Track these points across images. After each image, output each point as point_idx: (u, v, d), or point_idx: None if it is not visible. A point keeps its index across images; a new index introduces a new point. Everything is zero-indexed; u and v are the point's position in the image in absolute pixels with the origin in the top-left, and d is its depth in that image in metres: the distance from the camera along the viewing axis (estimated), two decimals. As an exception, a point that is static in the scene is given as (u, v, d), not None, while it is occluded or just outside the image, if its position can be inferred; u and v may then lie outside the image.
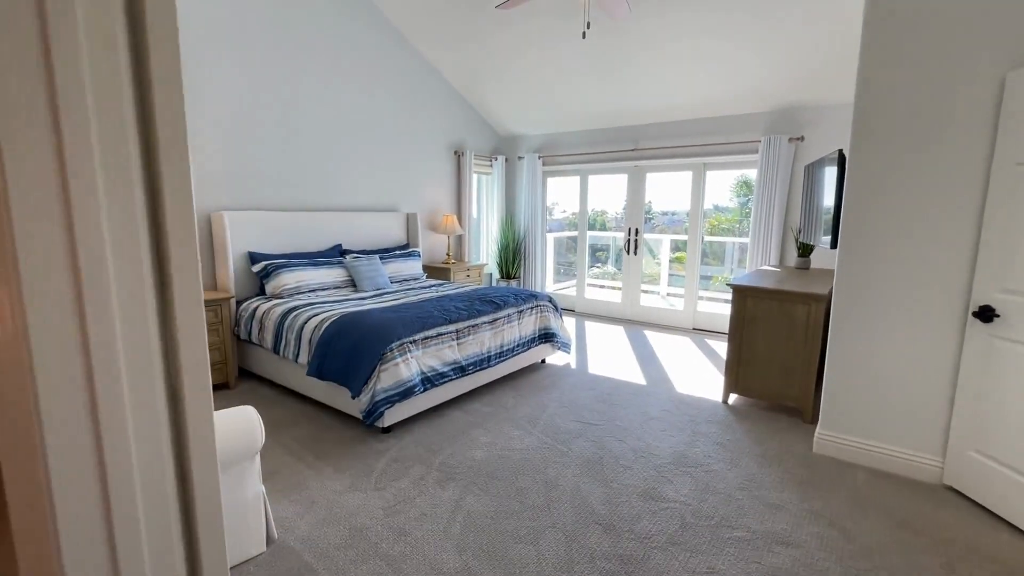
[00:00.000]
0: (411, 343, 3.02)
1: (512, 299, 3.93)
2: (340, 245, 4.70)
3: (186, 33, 3.63)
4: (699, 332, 5.57)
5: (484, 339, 3.52)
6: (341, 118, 4.75)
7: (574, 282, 6.70)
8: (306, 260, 4.22)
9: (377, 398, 2.79)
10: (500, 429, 3.05)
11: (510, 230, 6.57)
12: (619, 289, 6.20)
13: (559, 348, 4.25)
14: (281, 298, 3.90)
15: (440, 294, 4.16)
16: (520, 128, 6.48)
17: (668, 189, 7.32)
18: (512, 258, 6.54)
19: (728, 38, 4.12)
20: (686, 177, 5.56)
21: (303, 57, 4.37)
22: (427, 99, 5.59)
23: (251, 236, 4.07)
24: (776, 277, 3.72)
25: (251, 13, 3.98)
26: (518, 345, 3.82)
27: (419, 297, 3.99)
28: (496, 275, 6.74)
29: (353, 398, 2.83)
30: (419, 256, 5.18)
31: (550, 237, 7.51)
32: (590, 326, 5.80)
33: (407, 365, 2.93)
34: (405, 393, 2.87)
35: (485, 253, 6.85)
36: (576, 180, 6.37)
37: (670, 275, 7.66)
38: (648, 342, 5.13)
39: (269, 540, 2.00)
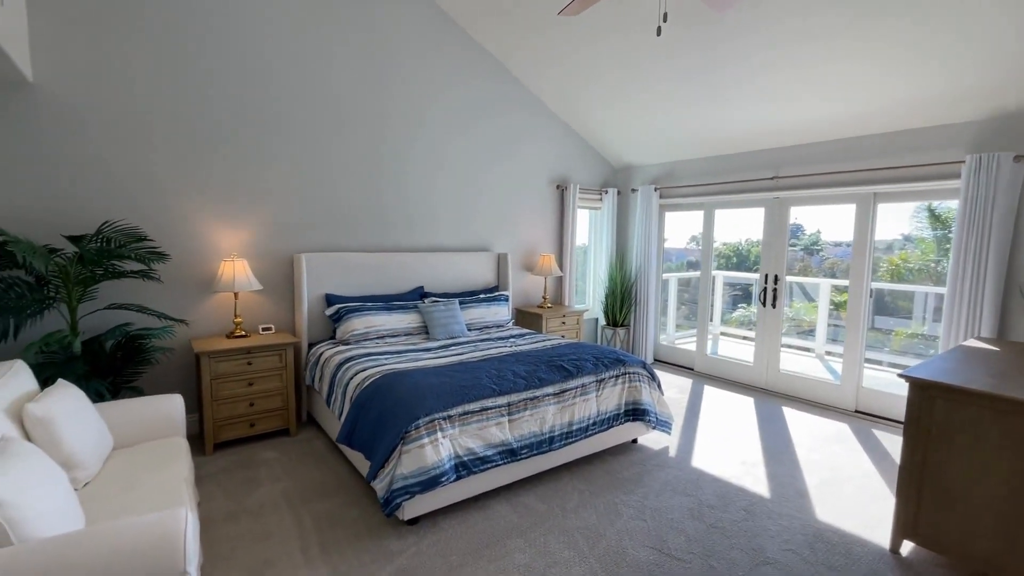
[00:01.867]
0: (445, 419, 2.51)
1: (591, 365, 3.21)
2: (421, 288, 4.46)
3: (268, 68, 3.73)
4: (864, 417, 4.15)
5: (546, 415, 2.87)
6: (431, 153, 4.58)
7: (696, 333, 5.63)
8: (381, 304, 4.02)
9: (395, 486, 2.32)
10: (546, 544, 2.35)
11: (620, 271, 5.80)
12: (751, 344, 5.00)
13: (655, 427, 3.38)
14: (347, 344, 3.72)
15: (514, 350, 3.61)
16: (634, 157, 5.75)
17: (825, 212, 5.92)
18: (621, 303, 5.75)
19: (900, 25, 2.99)
20: (846, 212, 4.28)
21: (390, 90, 4.29)
22: (527, 129, 5.21)
23: (331, 278, 4.01)
24: (991, 364, 2.45)
25: (336, 44, 4.00)
26: (594, 423, 3.08)
27: (485, 354, 3.49)
28: (602, 321, 5.99)
29: (368, 482, 2.40)
30: (506, 300, 4.72)
31: (672, 279, 6.55)
32: (710, 394, 4.72)
33: (436, 447, 2.42)
34: (429, 483, 2.35)
35: (591, 297, 6.15)
36: (699, 216, 5.39)
37: (834, 326, 6.13)
38: (785, 425, 3.93)
39: None
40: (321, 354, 3.57)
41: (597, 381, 3.16)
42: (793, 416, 4.13)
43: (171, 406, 2.61)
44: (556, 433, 2.88)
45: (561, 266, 5.64)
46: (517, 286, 5.34)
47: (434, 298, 4.35)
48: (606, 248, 5.96)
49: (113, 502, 1.92)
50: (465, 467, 2.52)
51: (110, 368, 2.96)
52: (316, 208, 4.01)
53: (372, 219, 4.30)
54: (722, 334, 7.01)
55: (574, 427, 2.97)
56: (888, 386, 4.22)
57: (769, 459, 3.31)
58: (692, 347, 5.57)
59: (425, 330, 4.08)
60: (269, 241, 3.83)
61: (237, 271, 3.48)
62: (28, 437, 1.95)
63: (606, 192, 5.89)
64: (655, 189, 5.58)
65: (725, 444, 3.53)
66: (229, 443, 3.41)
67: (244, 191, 3.68)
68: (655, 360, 5.85)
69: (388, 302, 4.10)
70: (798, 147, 4.48)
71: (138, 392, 2.97)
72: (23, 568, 1.30)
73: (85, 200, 3.14)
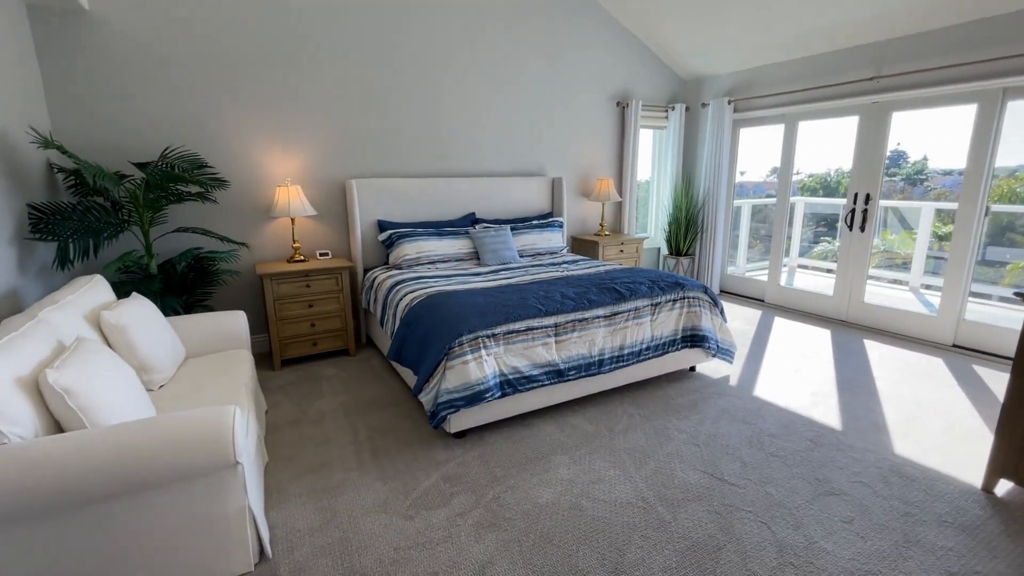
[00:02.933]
0: (489, 338, 2.47)
1: (645, 288, 3.02)
2: (473, 214, 4.36)
3: (319, -4, 3.59)
4: (963, 352, 3.69)
5: (595, 338, 2.76)
6: (481, 71, 4.32)
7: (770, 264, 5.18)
8: (432, 230, 3.99)
9: (440, 399, 2.34)
10: (591, 462, 2.32)
11: (685, 197, 5.38)
12: (832, 275, 4.53)
13: (715, 355, 3.19)
14: (400, 269, 3.75)
15: (566, 274, 3.48)
16: (705, 66, 5.14)
17: (935, 135, 5.13)
18: (686, 231, 5.37)
19: None
20: (964, 114, 3.60)
21: (441, 6, 4.02)
22: (583, 39, 4.76)
23: (383, 204, 4.00)
24: None
25: (384, -35, 3.76)
26: (648, 348, 2.93)
27: (535, 277, 3.39)
28: (664, 251, 5.67)
29: (415, 396, 2.44)
30: (560, 227, 4.54)
31: (746, 206, 6.02)
32: (781, 325, 4.39)
33: (480, 364, 2.40)
34: (473, 398, 2.36)
35: (652, 226, 5.80)
36: (779, 129, 4.79)
37: (935, 258, 5.45)
38: (867, 358, 3.58)
39: (264, 557, 1.75)
40: (375, 278, 3.63)
41: (652, 305, 2.98)
42: (876, 349, 3.75)
43: (235, 321, 2.77)
44: (606, 356, 2.78)
45: (620, 191, 5.31)
46: (573, 213, 5.11)
47: (485, 224, 4.26)
48: (671, 172, 5.52)
49: (183, 401, 2.07)
50: (511, 385, 2.50)
51: (182, 288, 3.16)
52: (366, 134, 3.95)
53: (423, 144, 4.19)
54: (800, 267, 6.45)
55: (625, 351, 2.85)
56: (996, 319, 3.70)
57: (844, 391, 3.04)
58: (764, 278, 5.16)
59: (476, 256, 4.02)
60: (321, 168, 3.84)
61: (292, 197, 3.54)
62: (107, 342, 2.12)
63: (672, 108, 5.37)
64: (728, 102, 5.00)
65: (794, 376, 3.28)
66: (295, 360, 3.63)
67: (299, 117, 3.66)
68: (721, 291, 5.50)
69: (439, 228, 4.05)
70: (905, 39, 3.76)
71: (209, 311, 3.17)
72: (93, 448, 1.41)
73: (149, 129, 3.26)
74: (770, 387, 3.11)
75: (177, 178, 2.95)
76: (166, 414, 1.56)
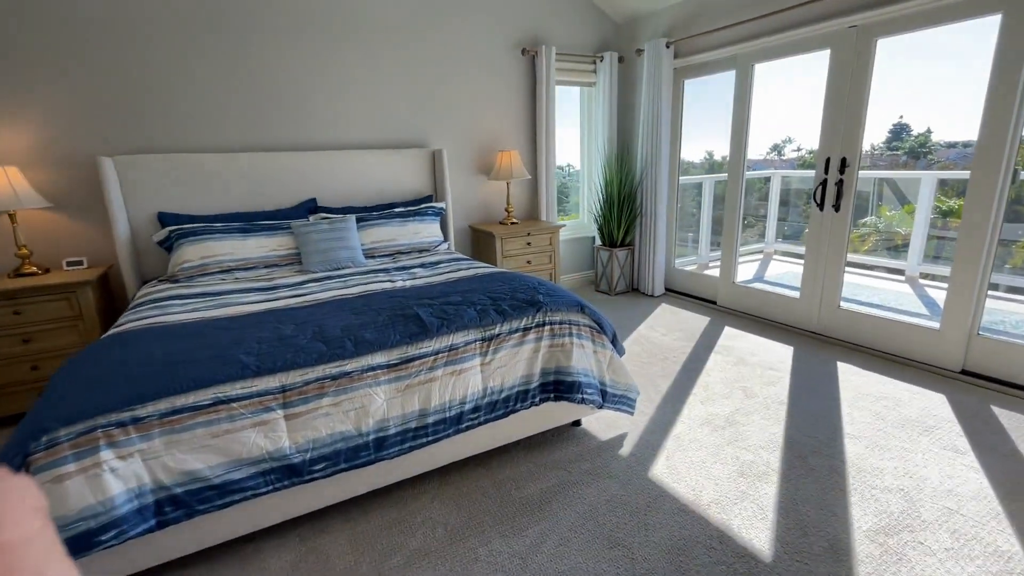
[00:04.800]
0: (121, 426, 1.36)
1: (472, 313, 1.91)
2: (313, 200, 3.24)
3: None
4: (977, 384, 2.57)
5: (371, 402, 1.66)
6: (335, 15, 3.16)
7: (744, 256, 4.05)
8: (238, 225, 2.87)
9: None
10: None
11: (620, 171, 4.24)
12: (799, 269, 3.39)
13: (601, 407, 2.08)
14: (176, 281, 2.65)
15: (394, 286, 2.39)
16: (639, 1, 3.95)
17: (942, 112, 4.12)
18: (619, 215, 4.24)
19: None
20: (977, 40, 2.43)
21: (235, -90, 2.85)
22: (470, -33, 3.59)
23: (171, 191, 2.88)
24: None
25: None
26: (477, 408, 1.83)
27: (365, 289, 2.30)
28: (598, 241, 4.54)
29: None
30: (436, 215, 3.41)
31: (708, 182, 4.90)
32: (731, 340, 3.28)
33: (96, 479, 1.30)
34: (81, 541, 1.27)
35: (584, 208, 4.67)
36: (729, 78, 3.61)
37: (938, 239, 4.41)
38: (836, 397, 2.47)
39: None
40: (142, 298, 2.51)
41: (484, 340, 1.87)
42: (853, 380, 2.65)
43: None
44: (392, 431, 1.68)
45: (535, 167, 4.16)
46: (471, 195, 3.98)
47: (326, 215, 3.14)
48: (602, 141, 4.36)
49: None
50: (178, 504, 1.41)
51: None
52: (142, 88, 2.81)
53: (240, 104, 3.05)
54: (778, 254, 5.33)
55: (431, 418, 1.75)
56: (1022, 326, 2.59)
57: (792, 466, 1.95)
58: (716, 273, 4.03)
59: (300, 260, 2.91)
60: (71, 142, 2.72)
61: (12, 183, 2.44)
62: None
63: (601, 59, 4.19)
64: (667, 44, 3.83)
65: (722, 433, 2.18)
66: (15, 417, 2.53)
67: (28, 66, 2.53)
68: (667, 291, 4.38)
69: (249, 221, 2.94)
70: (899, -73, 2.58)
71: None
72: None
73: None
74: (680, 457, 2.02)
75: None
76: None
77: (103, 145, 2.79)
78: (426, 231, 3.29)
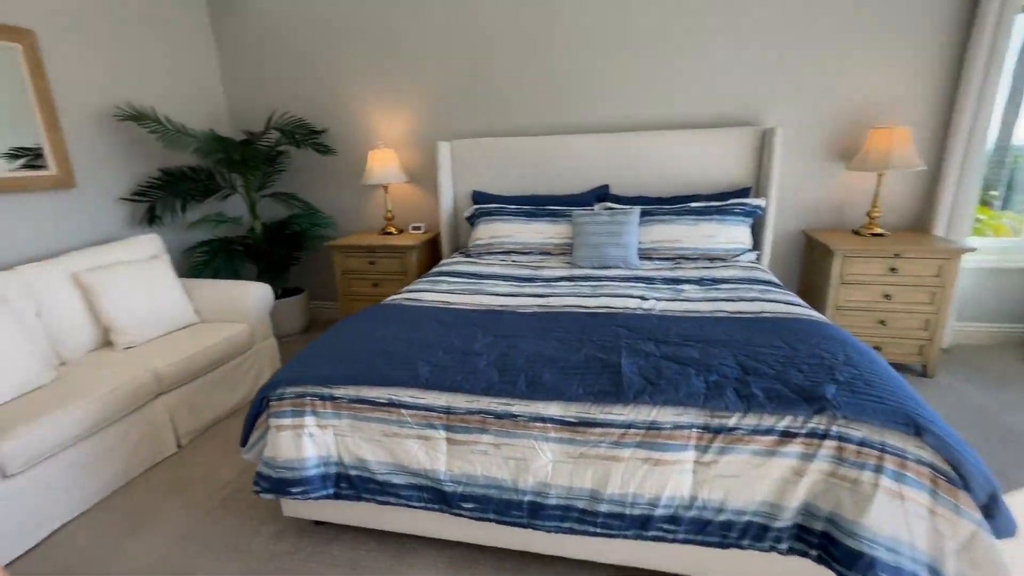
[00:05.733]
0: (319, 399, 1.51)
1: (698, 384, 1.29)
2: (606, 187, 2.99)
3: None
4: None
5: (533, 456, 1.36)
6: (645, -34, 2.77)
7: None
8: (528, 208, 2.94)
9: (259, 468, 1.60)
10: None
11: None
12: None
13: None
14: (468, 256, 2.94)
15: (648, 308, 1.96)
16: None
17: None
18: None
19: None
20: None
21: None
22: None
23: (484, 171, 3.17)
24: None
25: None
26: (672, 517, 1.28)
27: (584, 304, 2.01)
28: (1056, 279, 2.65)
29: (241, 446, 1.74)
30: (748, 214, 2.64)
31: None
32: None
33: (297, 438, 1.50)
34: (280, 486, 1.51)
35: (1039, 220, 2.79)
36: None
37: None
38: None
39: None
40: (438, 266, 2.92)
41: (705, 430, 1.26)
42: None
43: (253, 294, 2.67)
44: (551, 501, 1.35)
45: (940, 152, 2.68)
46: (815, 190, 2.91)
47: (617, 203, 2.86)
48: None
49: (87, 374, 2.07)
50: (351, 484, 1.50)
51: (275, 252, 3.31)
52: (473, 80, 3.15)
53: (542, 86, 3.07)
54: None
55: (603, 505, 1.31)
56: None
57: None
58: None
59: (572, 250, 2.75)
60: (423, 127, 3.31)
61: (386, 161, 3.18)
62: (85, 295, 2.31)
63: None
64: None
65: None
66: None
67: (402, 70, 3.21)
68: None
69: (539, 206, 2.95)
70: None
71: (293, 269, 3.24)
72: None
73: (270, 97, 3.43)
74: None
75: (282, 144, 3.02)
76: None
77: (442, 130, 3.27)
78: (725, 235, 2.59)
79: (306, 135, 3.27)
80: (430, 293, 2.23)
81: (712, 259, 2.59)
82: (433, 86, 3.21)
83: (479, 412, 1.40)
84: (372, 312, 1.96)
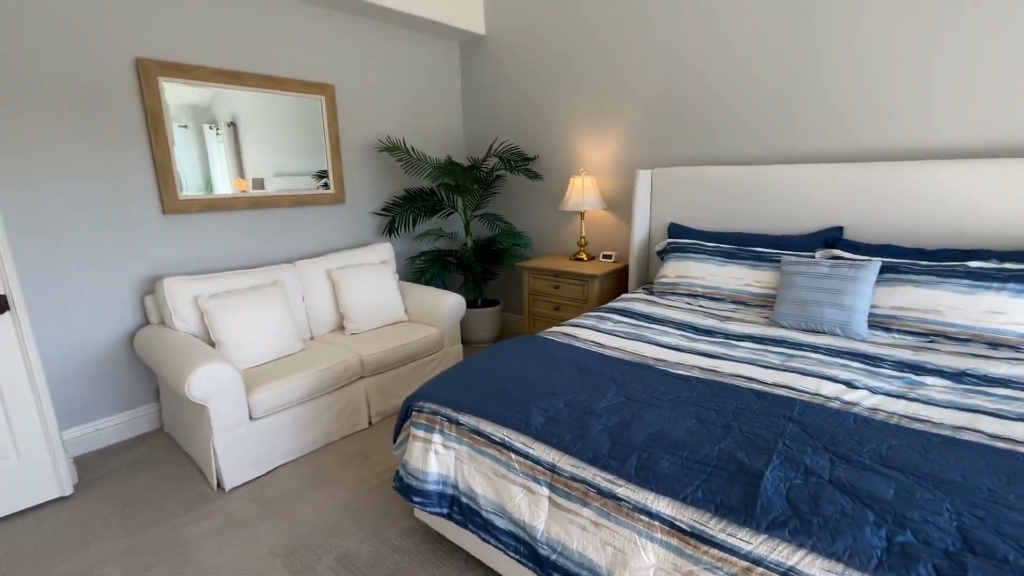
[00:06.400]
0: (448, 421, 1.58)
1: (867, 536, 0.90)
2: (839, 230, 2.40)
3: (645, -64, 2.83)
4: None
5: (632, 547, 1.16)
6: (936, -52, 2.11)
7: None
8: (729, 247, 2.58)
9: (398, 467, 1.79)
10: None
11: None
12: None
13: None
14: (650, 295, 2.74)
15: (840, 394, 1.51)
16: None
17: None
18: None
19: None
20: None
21: None
22: None
23: (687, 202, 2.90)
24: None
25: None
26: None
27: (773, 379, 1.65)
28: None
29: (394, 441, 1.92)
30: (1075, 290, 1.76)
31: None
32: None
33: (425, 452, 1.61)
34: (408, 492, 1.65)
35: None
36: None
37: None
38: None
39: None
40: (614, 301, 2.78)
41: (874, 606, 0.87)
42: None
43: (448, 302, 3.02)
44: (647, 611, 1.13)
45: None
46: None
47: (842, 252, 2.27)
48: None
49: (322, 350, 2.64)
50: (461, 510, 1.54)
51: (478, 266, 3.66)
52: (685, 104, 2.91)
53: (763, 107, 2.63)
54: None
55: (711, 648, 1.04)
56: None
57: None
58: None
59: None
60: (625, 154, 3.21)
61: (584, 189, 3.22)
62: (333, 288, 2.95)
63: None
64: None
65: None
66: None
67: (614, 94, 3.19)
68: None
69: (742, 246, 2.55)
70: None
71: (497, 282, 3.56)
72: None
73: (498, 127, 3.78)
74: None
75: (473, 177, 3.40)
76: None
77: (648, 157, 3.10)
78: (1023, 312, 1.78)
79: (519, 161, 3.53)
80: (590, 331, 2.14)
81: (996, 345, 1.81)
82: (639, 111, 3.08)
83: (583, 481, 1.27)
84: (521, 343, 1.98)
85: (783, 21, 2.50)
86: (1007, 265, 1.88)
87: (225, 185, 2.80)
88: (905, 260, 2.10)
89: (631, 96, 3.10)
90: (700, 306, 2.48)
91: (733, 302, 2.43)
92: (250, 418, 2.17)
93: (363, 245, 3.34)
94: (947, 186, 2.12)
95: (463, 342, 3.58)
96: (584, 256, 3.31)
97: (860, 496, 1.01)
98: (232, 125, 2.82)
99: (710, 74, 2.77)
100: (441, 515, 1.60)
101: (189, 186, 2.63)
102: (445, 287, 3.59)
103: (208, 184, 2.73)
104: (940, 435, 1.25)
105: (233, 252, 2.82)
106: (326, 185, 3.20)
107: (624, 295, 2.74)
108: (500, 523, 1.44)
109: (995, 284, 1.85)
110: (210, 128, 2.72)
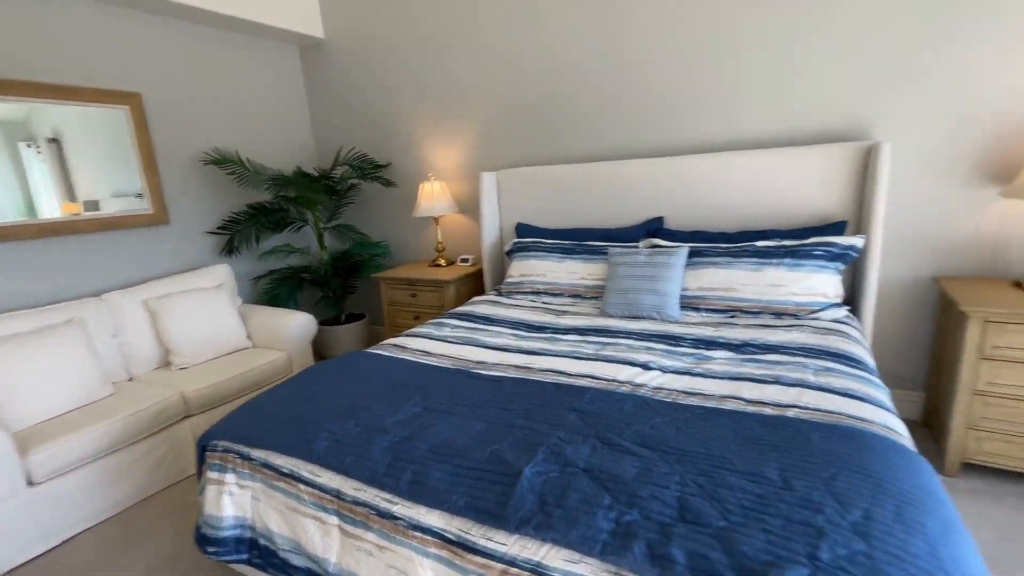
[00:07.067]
0: (239, 457, 1.44)
1: (604, 524, 0.92)
2: (659, 220, 2.56)
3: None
4: None
5: (412, 571, 1.11)
6: (710, -41, 2.32)
7: None
8: (568, 243, 2.66)
9: (199, 519, 1.59)
10: None
11: None
12: None
13: None
14: (499, 295, 2.74)
15: (635, 376, 1.57)
16: None
17: None
18: None
19: None
20: None
21: None
22: None
23: (531, 202, 2.96)
24: None
25: None
26: None
27: (580, 369, 1.69)
28: None
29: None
30: (835, 257, 2.01)
31: None
32: None
33: (218, 495, 1.45)
34: (203, 542, 1.47)
35: None
36: None
37: None
38: None
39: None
40: (462, 304, 2.74)
41: (604, 590, 0.89)
42: None
43: (297, 322, 2.81)
44: (429, 632, 1.08)
45: None
46: (951, 224, 2.12)
47: (660, 240, 2.42)
48: None
49: (149, 388, 2.33)
50: (260, 552, 1.41)
51: (334, 280, 3.48)
52: (526, 104, 2.96)
53: (604, 106, 2.75)
54: None
55: (483, 659, 1.01)
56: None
57: None
58: None
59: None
60: (473, 158, 3.21)
61: (434, 194, 3.16)
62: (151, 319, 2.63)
63: None
64: None
65: None
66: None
67: (455, 100, 3.17)
68: None
69: (579, 241, 2.64)
70: None
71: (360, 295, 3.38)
72: None
73: (343, 136, 3.64)
74: None
75: (322, 188, 3.21)
76: None
77: (494, 160, 3.12)
78: (799, 283, 2.00)
79: (371, 169, 3.40)
80: (424, 339, 2.09)
81: (779, 314, 2.02)
82: (484, 114, 3.09)
83: (364, 504, 1.20)
84: (341, 361, 1.87)
85: (603, 25, 2.62)
86: (785, 243, 2.11)
87: (52, 209, 2.47)
88: (710, 244, 2.29)
89: (474, 100, 3.10)
90: (543, 303, 2.53)
91: (571, 296, 2.51)
92: (29, 484, 1.85)
93: (195, 269, 3.02)
94: (744, 174, 2.34)
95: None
96: (443, 262, 3.26)
97: (604, 481, 1.04)
98: (55, 141, 2.47)
99: (546, 76, 2.84)
100: (241, 562, 1.44)
101: (4, 212, 2.30)
102: (298, 306, 3.36)
103: (31, 208, 2.39)
104: (703, 407, 1.33)
105: (15, 291, 2.40)
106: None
107: (474, 298, 2.72)
108: (296, 561, 1.32)
109: (774, 260, 2.06)
110: (28, 145, 2.36)
